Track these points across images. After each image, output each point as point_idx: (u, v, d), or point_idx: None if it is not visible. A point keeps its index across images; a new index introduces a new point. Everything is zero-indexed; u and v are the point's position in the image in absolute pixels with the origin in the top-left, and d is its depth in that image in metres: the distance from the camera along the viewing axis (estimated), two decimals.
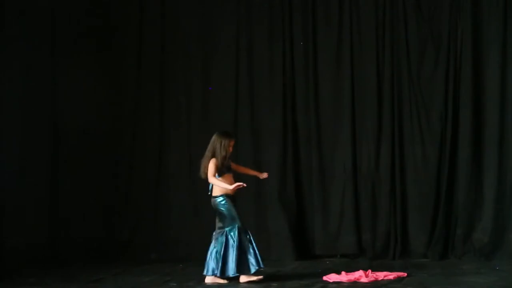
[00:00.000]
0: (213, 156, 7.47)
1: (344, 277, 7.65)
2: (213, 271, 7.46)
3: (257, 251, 7.45)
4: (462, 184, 8.87)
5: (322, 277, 7.69)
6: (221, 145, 7.48)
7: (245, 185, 7.45)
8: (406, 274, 7.76)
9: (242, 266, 7.44)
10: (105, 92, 9.41)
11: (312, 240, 9.12)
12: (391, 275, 7.67)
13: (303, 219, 9.19)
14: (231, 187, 7.41)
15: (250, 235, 7.51)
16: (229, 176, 7.56)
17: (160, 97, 9.54)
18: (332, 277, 7.66)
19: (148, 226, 9.39)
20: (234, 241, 7.43)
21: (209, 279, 7.51)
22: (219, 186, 7.46)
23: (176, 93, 9.53)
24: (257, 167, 9.00)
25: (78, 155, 9.25)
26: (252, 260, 7.43)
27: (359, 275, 7.65)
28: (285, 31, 9.32)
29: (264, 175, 7.89)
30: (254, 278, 7.47)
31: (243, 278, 7.47)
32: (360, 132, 9.16)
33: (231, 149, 7.54)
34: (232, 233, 7.46)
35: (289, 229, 9.07)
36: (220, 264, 7.41)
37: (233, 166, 7.69)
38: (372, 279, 7.59)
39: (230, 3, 9.46)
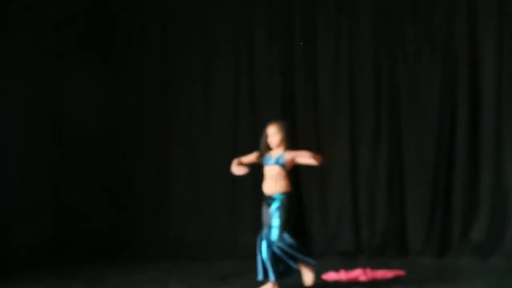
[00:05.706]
0: None
1: (342, 275, 7.67)
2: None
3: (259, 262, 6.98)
4: (460, 183, 8.87)
5: (320, 275, 7.71)
6: None
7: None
8: (404, 273, 7.78)
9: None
10: (106, 91, 9.46)
11: (311, 238, 9.12)
12: (389, 274, 7.70)
13: (302, 218, 9.18)
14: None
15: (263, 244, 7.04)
16: (267, 168, 7.13)
17: (160, 97, 9.58)
18: (331, 276, 7.68)
19: (149, 225, 9.44)
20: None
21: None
22: None
23: (176, 93, 9.57)
24: (257, 167, 9.01)
25: (79, 155, 9.29)
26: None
27: (358, 274, 7.68)
28: (285, 31, 9.34)
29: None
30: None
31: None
32: (358, 132, 9.16)
33: (268, 137, 7.12)
34: None
35: None
36: None
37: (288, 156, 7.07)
38: (371, 277, 7.62)
39: (230, 3, 9.49)
